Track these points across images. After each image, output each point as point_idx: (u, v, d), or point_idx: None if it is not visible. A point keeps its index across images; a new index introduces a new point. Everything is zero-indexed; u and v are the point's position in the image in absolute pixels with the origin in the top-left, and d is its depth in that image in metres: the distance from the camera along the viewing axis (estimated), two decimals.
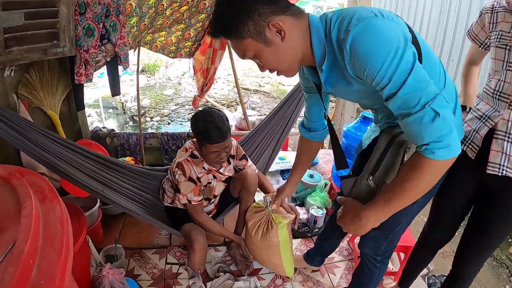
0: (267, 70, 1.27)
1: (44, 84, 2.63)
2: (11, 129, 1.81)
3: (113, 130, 3.75)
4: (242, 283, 2.32)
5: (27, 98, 2.49)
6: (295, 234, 2.73)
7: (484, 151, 1.57)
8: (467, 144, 1.64)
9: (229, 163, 2.42)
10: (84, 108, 3.27)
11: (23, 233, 0.92)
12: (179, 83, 9.94)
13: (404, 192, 1.13)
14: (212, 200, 2.46)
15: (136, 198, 2.37)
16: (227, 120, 2.14)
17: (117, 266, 2.30)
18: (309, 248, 2.57)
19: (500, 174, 1.54)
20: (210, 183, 2.33)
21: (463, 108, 1.77)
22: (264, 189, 2.49)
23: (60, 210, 1.10)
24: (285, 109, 2.90)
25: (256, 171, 2.49)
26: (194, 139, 2.23)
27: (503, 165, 1.52)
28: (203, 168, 2.27)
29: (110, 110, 7.80)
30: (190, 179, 2.19)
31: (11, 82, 2.37)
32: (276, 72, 1.28)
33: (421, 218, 3.93)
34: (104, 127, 3.75)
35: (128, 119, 7.42)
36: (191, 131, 2.20)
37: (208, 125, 2.04)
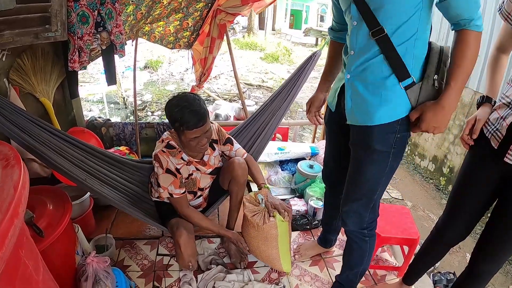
0: None
1: (37, 70, 2.57)
2: None
3: (109, 120, 3.68)
4: (235, 276, 2.25)
5: (19, 84, 2.43)
6: (293, 226, 2.66)
7: (508, 140, 1.47)
8: (491, 131, 1.53)
9: (214, 149, 2.32)
10: (79, 97, 3.21)
11: None
12: (182, 79, 9.95)
13: (464, 68, 1.38)
14: (199, 194, 2.36)
15: (123, 189, 2.27)
16: (204, 103, 2.03)
17: (107, 256, 2.22)
18: (315, 237, 2.61)
19: None
20: (192, 174, 2.24)
21: (488, 100, 1.63)
22: (253, 178, 2.37)
23: (18, 175, 1.05)
24: (280, 98, 2.81)
25: (245, 155, 2.38)
26: (172, 129, 2.14)
27: None
28: (182, 159, 2.16)
29: (112, 105, 7.80)
30: (168, 171, 2.10)
31: (3, 66, 2.32)
32: None
33: (426, 213, 3.88)
34: (99, 117, 3.69)
35: (129, 113, 7.43)
36: None
37: (184, 110, 1.93)
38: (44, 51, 2.62)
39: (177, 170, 2.14)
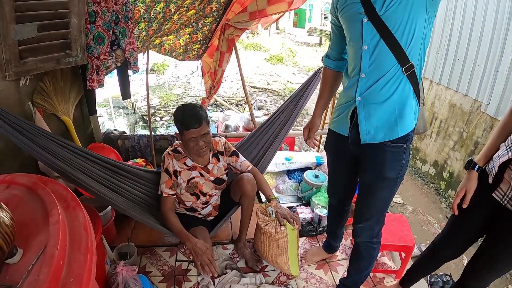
0: None
1: (58, 91, 2.70)
2: (26, 138, 1.90)
3: (124, 132, 3.85)
4: (248, 279, 2.42)
5: (42, 106, 2.56)
6: (300, 233, 2.81)
7: (499, 177, 1.59)
8: (490, 168, 1.64)
9: (218, 160, 2.47)
10: (97, 113, 3.36)
11: (53, 239, 1.04)
12: (188, 82, 10.02)
13: None
14: (204, 199, 2.49)
15: (145, 204, 2.43)
16: (205, 112, 2.24)
17: (130, 263, 2.40)
18: (320, 243, 2.77)
19: (502, 203, 1.58)
20: (193, 178, 2.39)
21: (473, 166, 1.71)
22: (261, 190, 2.50)
23: (83, 217, 1.22)
24: (288, 110, 2.96)
25: (249, 167, 2.52)
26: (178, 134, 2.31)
27: (508, 196, 1.55)
28: (185, 164, 2.36)
29: (121, 110, 7.89)
30: (166, 171, 2.32)
31: (27, 91, 2.45)
32: None
33: (426, 217, 4.00)
34: (115, 130, 3.85)
35: (138, 119, 7.52)
36: None
37: (184, 113, 2.18)
38: (63, 72, 2.74)
39: (175, 172, 2.33)
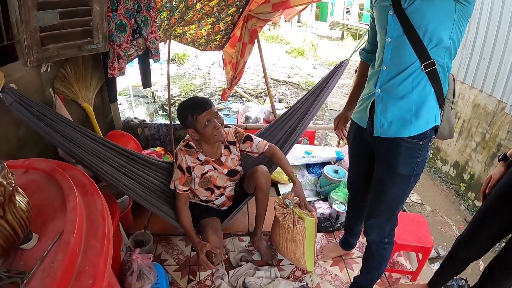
0: None
1: (79, 78, 2.72)
2: (46, 125, 1.93)
3: (144, 120, 3.88)
4: (263, 272, 2.42)
5: (63, 92, 2.58)
6: (317, 228, 2.78)
7: None
8: None
9: (230, 151, 2.45)
10: (117, 100, 3.39)
11: (70, 225, 1.04)
12: (209, 73, 10.05)
13: None
14: (218, 192, 2.48)
15: (161, 191, 2.45)
16: (206, 98, 2.26)
17: (145, 251, 2.42)
18: (337, 239, 2.77)
19: None
20: (207, 173, 2.38)
21: (505, 158, 1.78)
22: (282, 168, 2.48)
23: (101, 204, 1.22)
24: (309, 103, 2.92)
25: (267, 146, 2.47)
26: (189, 130, 2.28)
27: None
28: (197, 159, 2.33)
29: (141, 99, 7.95)
30: (179, 167, 2.29)
31: (48, 77, 2.47)
32: None
33: (444, 219, 3.94)
34: (135, 118, 3.89)
35: (158, 108, 7.56)
36: None
37: (188, 104, 2.18)
38: (84, 59, 2.75)
39: (188, 168, 2.30)
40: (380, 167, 1.83)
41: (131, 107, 7.17)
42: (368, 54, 2.01)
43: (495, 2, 3.98)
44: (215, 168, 2.40)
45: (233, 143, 2.45)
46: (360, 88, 2.02)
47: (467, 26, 4.12)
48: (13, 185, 0.91)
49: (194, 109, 2.13)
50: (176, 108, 2.27)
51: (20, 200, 0.95)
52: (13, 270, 0.92)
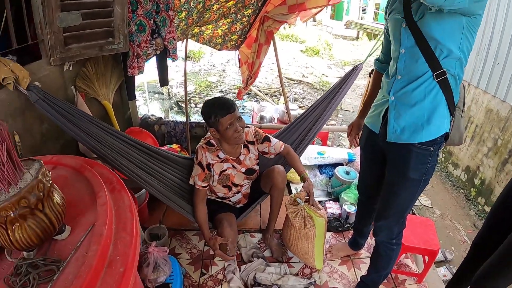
0: None
1: (99, 76, 2.82)
2: (68, 121, 2.03)
3: (161, 118, 3.98)
4: (273, 268, 2.50)
5: (84, 90, 2.68)
6: (327, 228, 2.85)
7: None
8: None
9: (249, 151, 2.52)
10: (136, 98, 3.49)
11: (101, 219, 1.14)
12: (224, 70, 10.11)
13: None
14: (235, 190, 2.57)
15: (178, 187, 2.53)
16: (230, 99, 2.32)
17: (160, 244, 2.50)
18: (346, 239, 2.82)
19: None
20: (225, 171, 2.46)
21: None
22: (294, 167, 2.56)
23: (128, 199, 1.32)
24: (324, 105, 2.98)
25: (283, 147, 2.55)
26: (211, 129, 2.35)
27: None
28: (217, 156, 2.41)
29: (156, 95, 8.04)
30: (200, 164, 2.37)
31: (70, 75, 2.56)
32: None
33: (453, 223, 3.97)
34: (152, 115, 3.98)
35: (173, 104, 7.64)
36: None
37: (213, 104, 2.25)
38: (105, 58, 2.85)
39: (208, 165, 2.38)
40: (391, 171, 1.90)
41: (146, 103, 7.26)
42: (382, 64, 2.08)
43: (510, 7, 3.97)
44: (233, 167, 2.47)
45: (252, 143, 2.53)
46: (373, 96, 2.08)
47: (482, 31, 4.14)
48: (50, 181, 1.00)
49: (218, 110, 2.20)
50: (202, 106, 2.35)
51: (56, 194, 1.04)
52: (48, 259, 1.02)
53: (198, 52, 10.92)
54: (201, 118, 6.56)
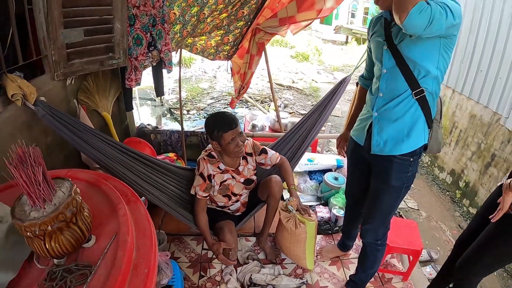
0: None
1: (99, 89, 2.93)
2: (68, 130, 2.15)
3: (157, 127, 4.11)
4: (267, 269, 2.65)
5: (86, 103, 2.79)
6: (318, 231, 2.99)
7: None
8: None
9: (248, 162, 2.66)
10: (133, 109, 3.60)
11: (124, 227, 1.28)
12: (215, 77, 10.18)
13: None
14: (234, 199, 2.70)
15: (178, 198, 2.67)
16: (233, 114, 2.46)
17: (161, 249, 2.63)
18: (336, 241, 3.00)
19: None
20: (225, 181, 2.60)
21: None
22: (285, 178, 2.70)
23: (143, 209, 1.47)
24: (314, 117, 3.13)
25: (279, 159, 2.69)
26: (213, 142, 2.48)
27: None
28: (218, 168, 2.55)
29: (148, 102, 8.06)
30: (201, 175, 2.50)
31: (72, 89, 2.67)
32: None
33: (439, 224, 4.12)
34: (148, 124, 4.11)
35: (166, 111, 7.69)
36: None
37: (217, 119, 2.38)
38: (104, 71, 2.95)
39: (209, 176, 2.52)
40: (375, 180, 2.07)
41: (137, 109, 7.27)
42: (366, 80, 2.25)
43: (493, 17, 4.12)
44: (233, 177, 2.61)
45: (250, 155, 2.67)
46: (359, 110, 2.25)
47: (466, 40, 4.29)
48: (80, 198, 1.15)
49: (221, 126, 2.33)
50: (206, 119, 2.48)
51: (84, 206, 1.19)
52: (80, 264, 1.15)
53: (189, 58, 10.96)
54: (194, 125, 6.66)
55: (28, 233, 1.05)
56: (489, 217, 1.90)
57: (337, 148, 2.60)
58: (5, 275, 1.12)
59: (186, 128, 4.19)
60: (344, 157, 2.58)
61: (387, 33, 1.80)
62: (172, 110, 7.60)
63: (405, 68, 1.75)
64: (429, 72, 1.73)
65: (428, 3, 1.46)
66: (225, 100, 8.22)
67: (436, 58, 1.71)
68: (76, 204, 1.13)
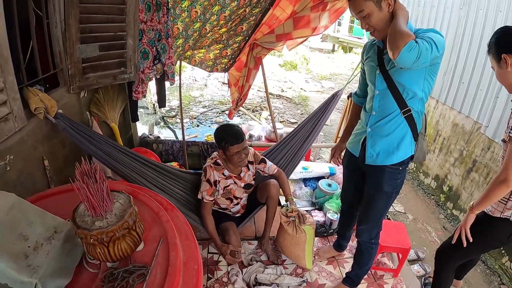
0: (366, 27, 1.90)
1: (108, 101, 3.08)
2: (87, 141, 2.34)
3: (158, 137, 4.29)
4: (270, 270, 2.86)
5: (97, 114, 2.95)
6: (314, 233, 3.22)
7: None
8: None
9: (249, 169, 2.87)
10: (139, 120, 3.78)
11: (170, 232, 1.48)
12: (205, 85, 10.18)
13: None
14: (235, 202, 2.92)
15: (185, 201, 2.84)
16: (241, 128, 2.67)
17: None
18: (331, 243, 3.23)
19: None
20: (228, 186, 2.81)
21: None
22: (283, 189, 2.92)
23: (181, 216, 1.67)
24: (310, 125, 3.35)
25: (276, 170, 2.92)
26: (219, 150, 2.70)
27: None
28: (223, 174, 2.77)
29: (141, 110, 8.03)
30: (208, 181, 2.70)
31: (85, 102, 2.82)
32: (371, 30, 1.91)
33: (425, 226, 4.34)
34: (151, 134, 4.28)
35: (159, 119, 7.70)
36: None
37: (227, 132, 2.59)
38: (113, 84, 3.07)
39: (215, 182, 2.72)
40: (369, 186, 2.32)
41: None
42: (359, 98, 2.49)
43: (475, 32, 4.32)
44: (235, 182, 2.83)
45: (251, 163, 2.88)
46: (353, 125, 2.51)
47: (449, 54, 4.53)
48: (136, 209, 1.34)
49: (229, 139, 2.55)
50: (216, 129, 2.70)
51: (136, 215, 1.37)
52: (136, 265, 1.34)
53: (181, 66, 10.91)
54: (187, 133, 6.77)
55: (92, 240, 1.22)
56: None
57: (331, 158, 2.81)
58: (63, 280, 1.26)
59: (179, 137, 4.34)
60: (339, 165, 2.81)
61: (379, 59, 2.04)
62: (165, 118, 7.65)
63: (395, 91, 1.99)
64: (416, 94, 1.98)
65: (416, 42, 1.70)
66: (217, 108, 8.31)
67: (422, 82, 1.95)
68: (135, 213, 1.32)
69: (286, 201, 2.88)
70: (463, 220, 2.13)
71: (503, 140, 1.86)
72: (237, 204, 2.95)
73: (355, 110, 2.57)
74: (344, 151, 2.66)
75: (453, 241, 2.20)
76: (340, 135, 4.18)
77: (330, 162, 4.46)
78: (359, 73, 2.42)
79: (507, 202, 2.02)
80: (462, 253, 2.39)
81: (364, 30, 1.93)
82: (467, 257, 2.54)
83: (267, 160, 2.94)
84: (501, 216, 2.07)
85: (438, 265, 2.58)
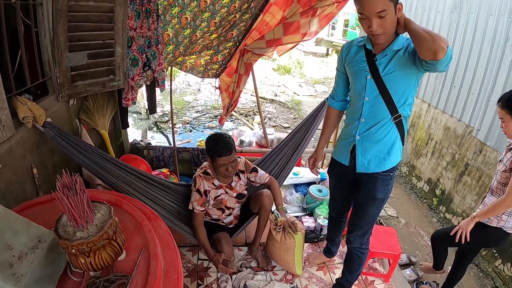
0: (378, 30, 1.80)
1: (98, 108, 3.09)
2: (75, 150, 2.33)
3: (149, 143, 4.29)
4: (260, 276, 2.86)
5: (86, 122, 2.95)
6: (304, 239, 3.21)
7: None
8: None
9: (240, 178, 2.85)
10: (129, 126, 3.76)
11: (152, 242, 1.48)
12: (199, 90, 10.25)
13: None
14: (227, 212, 2.89)
15: (176, 212, 2.82)
16: (232, 140, 2.63)
17: None
18: (321, 249, 3.22)
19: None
20: (219, 196, 2.79)
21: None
22: (274, 197, 2.87)
23: (164, 225, 1.68)
24: (301, 132, 3.34)
25: (268, 179, 2.89)
26: (209, 159, 2.70)
27: None
28: (213, 184, 2.74)
29: (134, 115, 8.06)
30: (198, 191, 2.68)
31: (74, 109, 2.83)
32: (380, 33, 1.82)
33: (417, 230, 4.35)
34: (141, 140, 4.28)
35: (152, 125, 7.73)
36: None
37: (217, 143, 2.55)
38: (102, 92, 3.07)
39: (205, 191, 2.70)
40: (361, 194, 2.31)
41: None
42: (338, 102, 2.41)
43: (466, 37, 4.36)
44: (226, 192, 2.80)
45: (243, 172, 2.86)
46: (331, 130, 2.55)
47: None
48: (117, 218, 1.34)
49: (218, 149, 2.52)
50: (207, 137, 2.67)
51: (118, 225, 1.37)
52: (117, 275, 1.34)
53: (174, 71, 10.88)
54: (180, 138, 6.77)
55: (73, 250, 1.24)
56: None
57: (312, 168, 2.70)
58: None
59: (179, 145, 4.35)
60: (318, 175, 2.79)
61: (371, 64, 1.99)
62: (158, 123, 7.67)
63: (387, 97, 1.98)
64: (407, 100, 2.00)
65: None
66: (210, 113, 8.33)
67: (412, 88, 1.97)
68: (115, 224, 1.33)
69: (276, 210, 2.85)
70: (464, 224, 2.46)
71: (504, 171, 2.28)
72: (230, 214, 2.93)
73: (332, 114, 2.49)
74: (320, 159, 2.67)
75: (452, 233, 2.52)
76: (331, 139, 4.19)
77: (321, 168, 4.47)
78: (336, 75, 2.35)
79: (501, 215, 2.36)
80: (454, 243, 2.56)
81: (372, 32, 1.82)
82: (457, 246, 2.87)
83: (258, 169, 2.92)
84: (496, 226, 2.40)
85: (434, 246, 3.03)
